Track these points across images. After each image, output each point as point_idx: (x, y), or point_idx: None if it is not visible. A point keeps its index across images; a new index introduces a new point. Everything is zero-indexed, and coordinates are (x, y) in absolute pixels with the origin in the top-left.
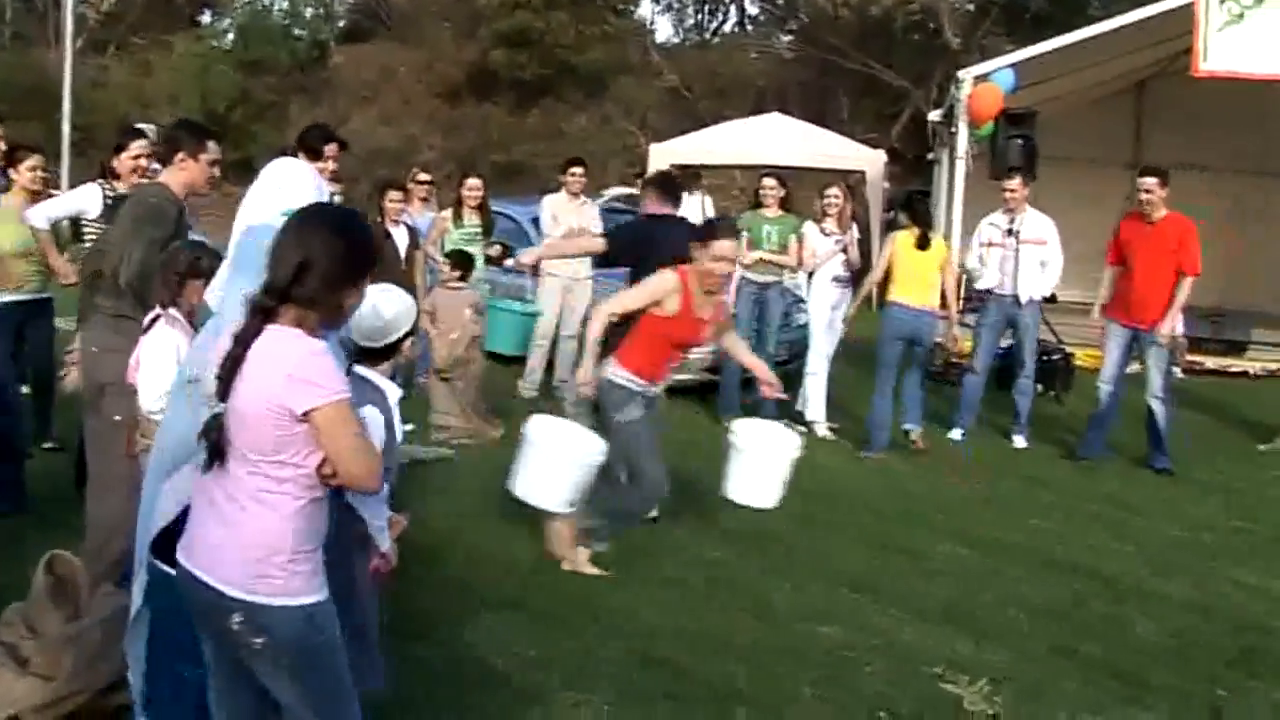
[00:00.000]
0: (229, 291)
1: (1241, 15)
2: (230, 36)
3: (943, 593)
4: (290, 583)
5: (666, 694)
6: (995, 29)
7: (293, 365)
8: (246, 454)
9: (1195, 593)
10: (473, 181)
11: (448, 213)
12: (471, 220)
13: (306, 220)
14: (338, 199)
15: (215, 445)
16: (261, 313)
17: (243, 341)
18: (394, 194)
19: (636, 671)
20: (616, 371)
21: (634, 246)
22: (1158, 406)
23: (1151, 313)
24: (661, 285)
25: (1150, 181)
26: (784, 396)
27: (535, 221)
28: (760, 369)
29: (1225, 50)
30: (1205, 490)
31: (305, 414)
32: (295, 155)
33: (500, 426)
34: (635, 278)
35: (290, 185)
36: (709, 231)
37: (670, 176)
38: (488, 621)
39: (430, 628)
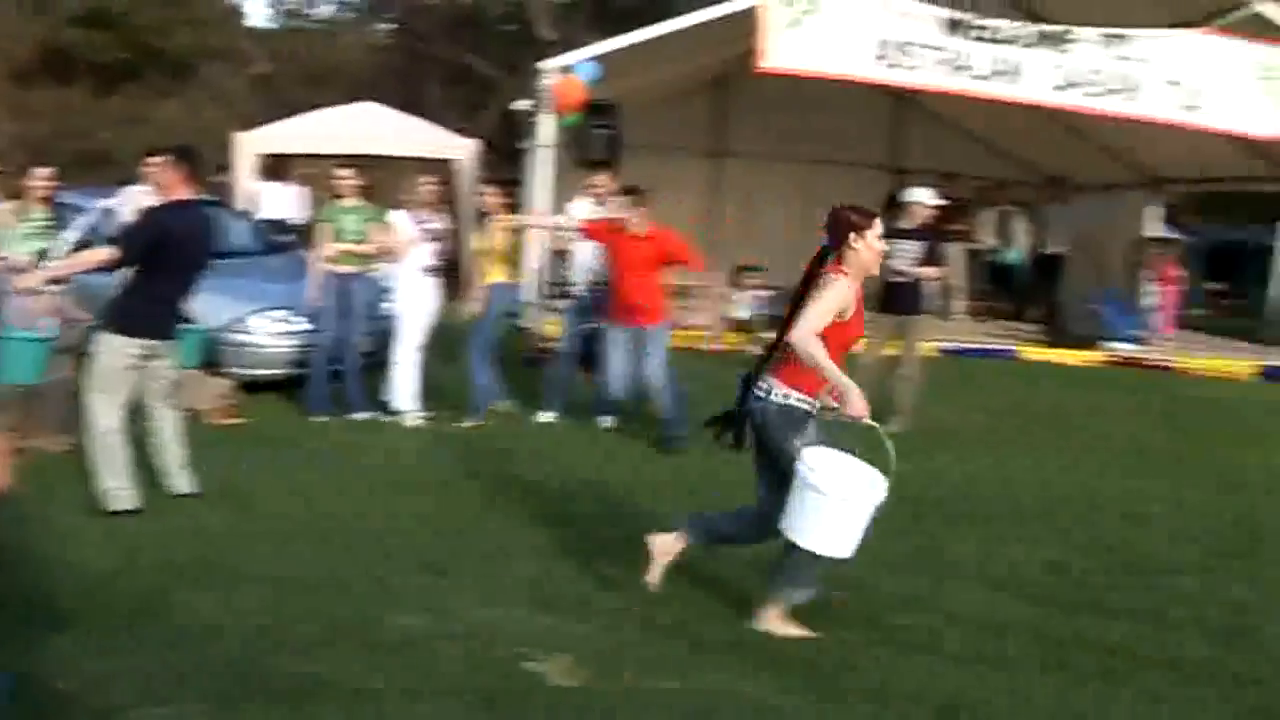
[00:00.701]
0: None
1: (800, 20)
2: None
3: (522, 571)
4: None
5: (248, 695)
6: (586, 21)
7: None
8: None
9: (753, 551)
10: (42, 171)
11: (10, 205)
12: (38, 214)
13: None
14: None
15: None
16: None
17: None
18: None
19: (215, 676)
20: (792, 394)
21: (151, 244)
22: (663, 390)
23: (648, 313)
24: (845, 291)
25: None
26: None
27: (110, 214)
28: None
29: (786, 50)
30: None
31: None
32: None
33: (69, 441)
34: (147, 280)
35: None
36: (862, 214)
37: (190, 151)
38: (54, 640)
39: None
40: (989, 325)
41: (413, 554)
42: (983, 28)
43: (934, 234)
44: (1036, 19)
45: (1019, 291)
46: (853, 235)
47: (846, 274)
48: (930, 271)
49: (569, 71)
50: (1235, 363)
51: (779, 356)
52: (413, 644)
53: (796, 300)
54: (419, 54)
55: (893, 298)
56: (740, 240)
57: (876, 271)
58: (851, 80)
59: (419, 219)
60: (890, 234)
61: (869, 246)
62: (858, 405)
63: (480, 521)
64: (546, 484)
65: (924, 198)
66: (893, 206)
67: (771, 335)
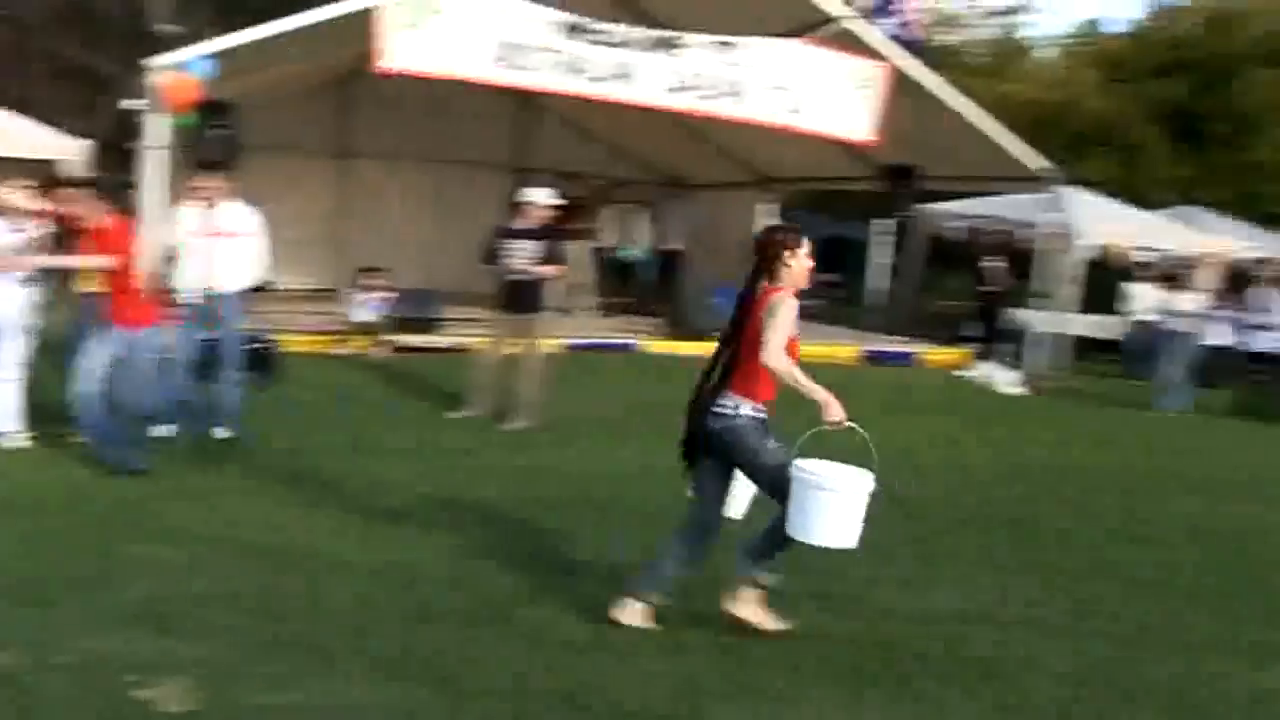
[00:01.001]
0: None
1: (418, 21)
2: None
3: (135, 594)
4: None
5: None
6: (212, 16)
7: None
8: None
9: (374, 557)
10: None
11: None
12: None
13: None
14: None
15: None
16: None
17: None
18: None
19: None
20: (755, 407)
21: None
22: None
23: (121, 315)
24: (794, 307)
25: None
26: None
27: None
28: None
29: (405, 51)
30: (400, 458)
31: None
32: None
33: None
34: None
35: None
36: (791, 233)
37: None
38: None
39: None
40: (614, 320)
41: (13, 584)
42: (599, 31)
43: (553, 233)
44: (651, 24)
45: (641, 287)
46: (786, 253)
47: (786, 290)
48: (549, 270)
49: (182, 68)
50: (843, 348)
51: (730, 373)
52: (13, 681)
53: (737, 320)
54: (27, 47)
55: (513, 297)
56: (366, 241)
57: (806, 285)
58: (471, 81)
59: (13, 225)
60: (508, 233)
61: (800, 263)
62: (836, 411)
63: (87, 544)
64: (158, 500)
65: (539, 197)
66: (511, 207)
67: (396, 337)
